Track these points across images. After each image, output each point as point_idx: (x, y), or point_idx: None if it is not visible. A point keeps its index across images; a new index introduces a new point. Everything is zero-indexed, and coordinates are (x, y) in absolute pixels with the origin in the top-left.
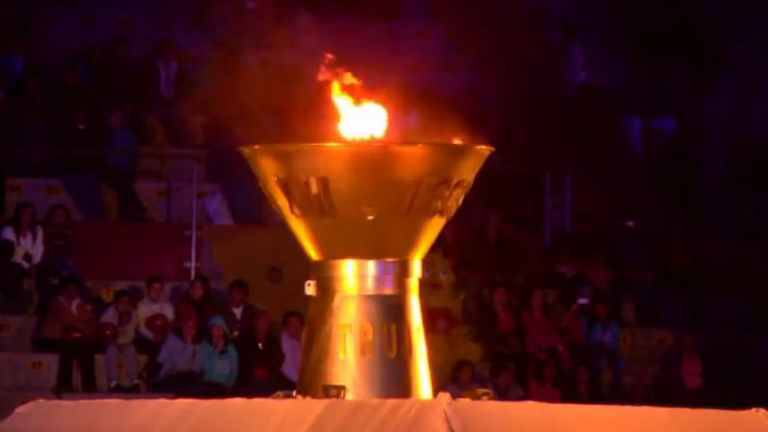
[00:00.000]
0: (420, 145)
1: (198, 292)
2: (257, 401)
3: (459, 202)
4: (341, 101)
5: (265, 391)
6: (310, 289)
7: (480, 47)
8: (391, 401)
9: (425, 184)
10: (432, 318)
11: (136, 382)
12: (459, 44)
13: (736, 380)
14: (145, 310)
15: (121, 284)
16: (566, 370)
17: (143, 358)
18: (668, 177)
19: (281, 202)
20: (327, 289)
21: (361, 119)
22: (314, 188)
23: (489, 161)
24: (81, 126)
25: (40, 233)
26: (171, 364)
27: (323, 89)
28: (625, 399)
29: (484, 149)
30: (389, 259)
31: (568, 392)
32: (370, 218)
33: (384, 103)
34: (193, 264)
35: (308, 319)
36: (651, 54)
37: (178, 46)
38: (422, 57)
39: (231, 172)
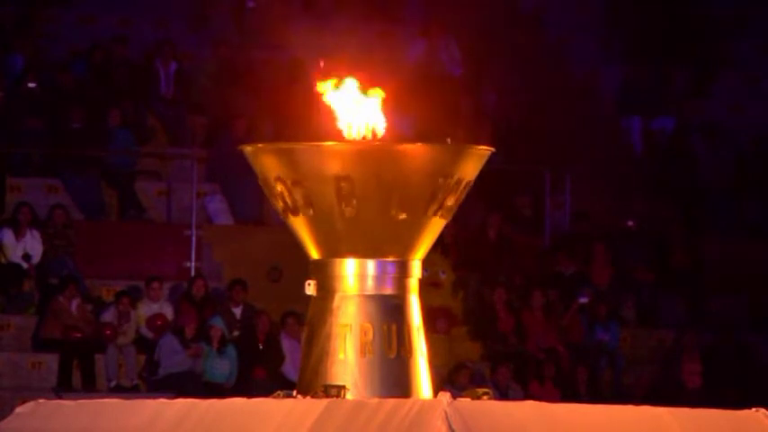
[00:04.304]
0: (420, 145)
1: (198, 292)
2: (257, 401)
3: (460, 203)
4: (339, 100)
5: (265, 391)
6: (310, 289)
7: (483, 48)
8: (391, 401)
9: (426, 184)
10: (432, 317)
11: (136, 382)
12: (461, 46)
13: (736, 380)
14: (145, 309)
15: (121, 284)
16: (566, 370)
17: (143, 358)
18: (668, 177)
19: (282, 201)
20: (327, 289)
21: (361, 117)
22: (314, 188)
23: (489, 161)
24: (81, 126)
25: (38, 233)
26: (167, 364)
27: (320, 91)
28: (625, 399)
29: (484, 149)
30: (389, 259)
31: (568, 392)
32: (370, 217)
33: (385, 102)
34: (193, 263)
35: (308, 319)
36: (651, 54)
37: (178, 46)
38: (421, 57)
39: (231, 172)
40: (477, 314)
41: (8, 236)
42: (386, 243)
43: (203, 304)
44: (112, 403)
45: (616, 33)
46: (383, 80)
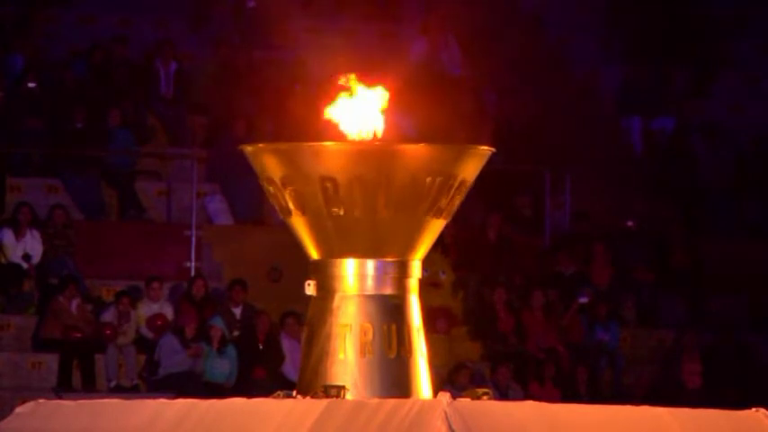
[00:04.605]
0: (421, 145)
1: (198, 292)
2: (257, 401)
3: (460, 203)
4: (344, 100)
5: (265, 391)
6: (310, 289)
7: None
8: (391, 401)
9: (426, 185)
10: (432, 317)
11: (136, 382)
12: (461, 45)
13: (736, 380)
14: (145, 309)
15: (121, 284)
16: (566, 370)
17: (143, 358)
18: (668, 177)
19: (282, 201)
20: (327, 289)
21: (362, 117)
22: (314, 187)
23: (489, 161)
24: (81, 126)
25: (38, 233)
26: (167, 364)
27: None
28: (625, 399)
29: (484, 149)
30: (389, 259)
31: (568, 392)
32: (370, 217)
33: (387, 102)
34: (193, 263)
35: (308, 319)
36: (651, 54)
37: (178, 46)
38: (422, 57)
39: (231, 172)
40: (477, 314)
41: (8, 236)
42: (384, 243)
43: (203, 304)
44: (112, 403)
45: (616, 33)
46: (383, 80)
